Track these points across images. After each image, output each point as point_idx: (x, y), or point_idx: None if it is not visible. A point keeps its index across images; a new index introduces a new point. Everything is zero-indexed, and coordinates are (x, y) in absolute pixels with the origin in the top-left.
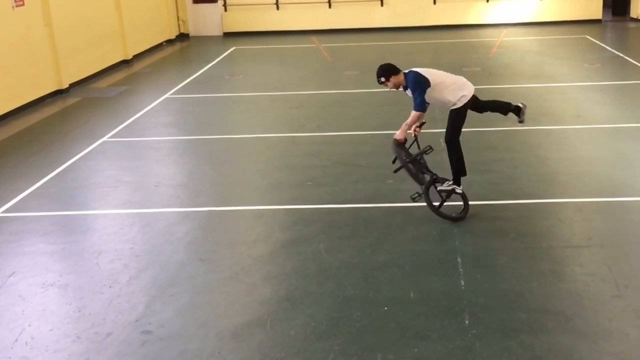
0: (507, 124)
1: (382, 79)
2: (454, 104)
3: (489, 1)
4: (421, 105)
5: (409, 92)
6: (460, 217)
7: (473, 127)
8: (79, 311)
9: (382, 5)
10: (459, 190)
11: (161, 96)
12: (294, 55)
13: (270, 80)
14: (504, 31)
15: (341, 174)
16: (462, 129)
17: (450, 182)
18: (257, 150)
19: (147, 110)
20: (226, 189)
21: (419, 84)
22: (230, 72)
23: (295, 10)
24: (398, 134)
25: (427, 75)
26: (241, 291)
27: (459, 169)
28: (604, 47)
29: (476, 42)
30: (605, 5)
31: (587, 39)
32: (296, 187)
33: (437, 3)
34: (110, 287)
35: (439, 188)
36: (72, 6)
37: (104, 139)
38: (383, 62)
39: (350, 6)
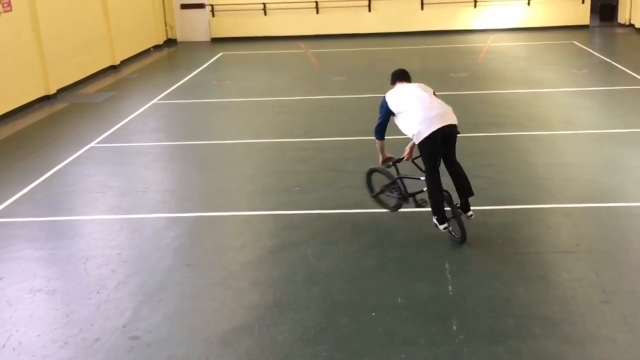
0: (494, 130)
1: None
2: (414, 139)
3: (477, 7)
4: (376, 131)
5: None
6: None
7: (461, 132)
8: (67, 317)
9: (369, 10)
10: (439, 227)
11: (149, 102)
12: (281, 60)
13: (258, 86)
14: (492, 37)
15: (329, 179)
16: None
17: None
18: (245, 155)
19: (135, 116)
20: (214, 194)
21: (380, 107)
22: (218, 77)
23: (282, 15)
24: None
25: (392, 102)
26: (229, 297)
27: (433, 205)
28: (591, 53)
29: (464, 47)
30: (592, 10)
31: (575, 44)
32: (284, 193)
33: (424, 8)
34: (98, 292)
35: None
36: (59, 12)
37: (92, 144)
38: (373, 68)
39: (338, 12)
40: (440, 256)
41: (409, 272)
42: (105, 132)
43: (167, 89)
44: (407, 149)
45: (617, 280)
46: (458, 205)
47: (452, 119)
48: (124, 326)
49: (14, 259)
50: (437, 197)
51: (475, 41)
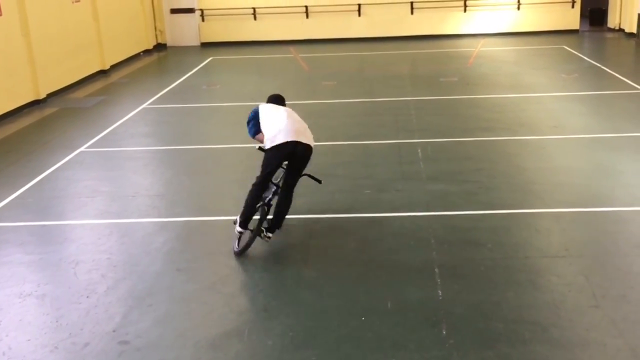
0: (484, 135)
1: None
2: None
3: (467, 11)
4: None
5: None
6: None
7: (450, 137)
8: (57, 321)
9: (359, 15)
10: (236, 227)
11: (139, 106)
12: (271, 65)
13: (248, 91)
14: (482, 41)
15: (318, 184)
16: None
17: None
18: (235, 160)
19: (125, 121)
20: (204, 199)
21: (250, 126)
22: (208, 82)
23: (272, 20)
24: None
25: (256, 112)
26: (219, 301)
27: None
28: (581, 57)
29: (454, 52)
30: (582, 15)
31: (565, 49)
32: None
33: (414, 13)
34: (87, 297)
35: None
36: (50, 16)
37: (82, 149)
38: (363, 73)
39: (328, 16)
40: (429, 261)
41: (399, 277)
42: (95, 136)
43: (156, 94)
44: None
45: (606, 285)
46: (265, 226)
47: (305, 138)
48: (113, 331)
49: (4, 263)
50: (253, 204)
51: (465, 46)
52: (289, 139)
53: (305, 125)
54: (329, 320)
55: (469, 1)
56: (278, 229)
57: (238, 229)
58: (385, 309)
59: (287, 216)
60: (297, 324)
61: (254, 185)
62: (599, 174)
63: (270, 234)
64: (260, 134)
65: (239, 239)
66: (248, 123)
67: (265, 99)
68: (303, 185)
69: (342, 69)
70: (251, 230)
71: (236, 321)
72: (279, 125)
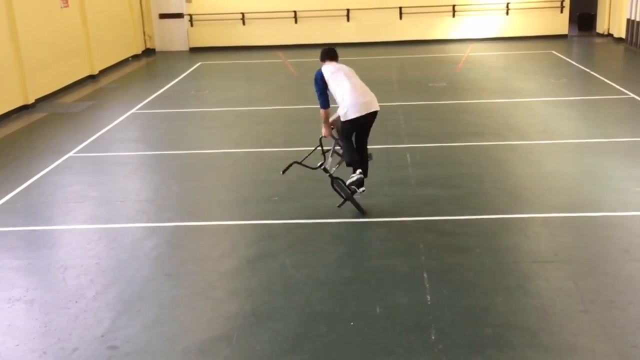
0: (473, 140)
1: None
2: (342, 115)
3: (455, 16)
4: (319, 101)
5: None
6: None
7: (439, 142)
8: (45, 326)
9: (348, 20)
10: (355, 175)
11: (127, 111)
12: (260, 70)
13: (237, 96)
14: (470, 46)
15: (307, 189)
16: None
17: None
18: (224, 165)
19: (114, 126)
20: (192, 204)
21: (315, 82)
22: (197, 87)
23: (261, 25)
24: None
25: (327, 77)
26: (207, 306)
27: (349, 159)
28: (570, 63)
29: (442, 57)
30: (571, 20)
31: (553, 54)
32: (262, 203)
33: (403, 18)
34: (76, 302)
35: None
36: (38, 21)
37: (70, 154)
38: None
39: (316, 21)
40: (418, 265)
41: (388, 282)
42: (84, 141)
43: (145, 99)
44: (328, 125)
45: (595, 290)
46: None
47: (375, 106)
48: (102, 336)
49: None
50: (353, 152)
51: (453, 51)
52: (363, 113)
53: (367, 87)
54: (318, 325)
55: (457, 6)
56: (366, 176)
57: (357, 173)
58: (374, 314)
59: (274, 221)
60: (286, 329)
61: (344, 141)
62: (588, 179)
63: (363, 188)
64: (326, 110)
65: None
66: (319, 95)
67: (256, 104)
68: (292, 190)
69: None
70: (344, 198)
71: (225, 326)
72: (350, 98)
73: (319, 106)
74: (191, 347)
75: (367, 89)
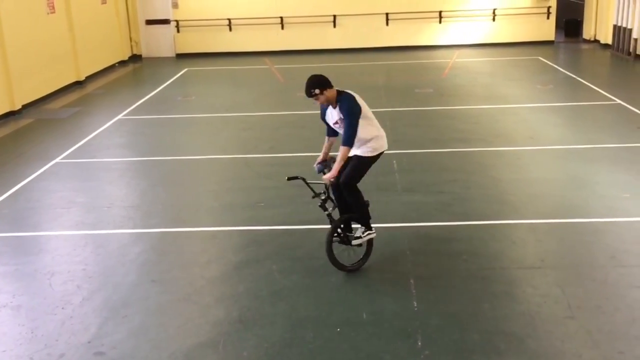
0: (459, 146)
1: (316, 91)
2: (365, 152)
3: (442, 22)
4: (352, 138)
5: (335, 113)
6: (356, 267)
7: (426, 148)
8: (32, 332)
9: (334, 26)
10: (373, 234)
11: (114, 117)
12: (246, 76)
13: (223, 102)
14: (457, 52)
15: (294, 195)
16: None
17: (364, 230)
18: (210, 171)
19: (100, 132)
20: (179, 210)
21: (354, 111)
22: (183, 93)
23: (247, 31)
24: (332, 174)
25: (360, 104)
26: (194, 312)
27: (364, 212)
28: (556, 69)
29: (429, 63)
30: (558, 26)
31: (540, 60)
32: (249, 209)
33: (389, 24)
34: (63, 308)
35: (353, 242)
36: (25, 27)
37: (57, 160)
38: (338, 84)
39: (303, 27)
40: (405, 272)
41: (374, 288)
42: (71, 147)
43: (132, 105)
44: (337, 168)
45: (582, 296)
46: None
47: None
48: (89, 342)
49: None
50: (365, 205)
51: (440, 57)
52: (386, 148)
53: None
54: (304, 331)
55: (444, 12)
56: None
57: (372, 234)
58: (361, 320)
59: (260, 227)
60: (272, 335)
61: (356, 191)
62: (574, 185)
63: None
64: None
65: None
66: (353, 129)
67: (242, 110)
68: (278, 196)
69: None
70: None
71: (211, 332)
72: (379, 129)
73: (325, 137)
74: (178, 353)
75: None
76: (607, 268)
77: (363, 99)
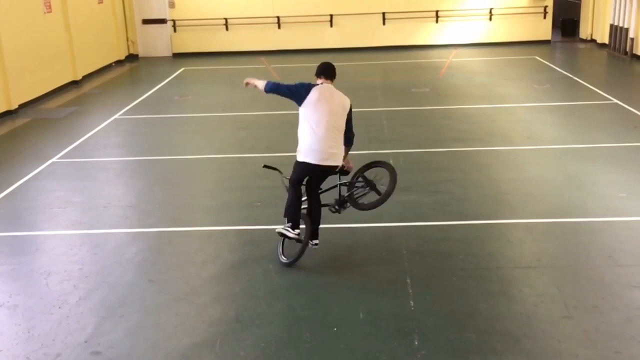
0: (456, 145)
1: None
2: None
3: (439, 22)
4: (270, 84)
5: None
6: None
7: (422, 147)
8: (29, 332)
9: (331, 26)
10: (289, 233)
11: (110, 117)
12: (243, 76)
13: (220, 101)
14: (454, 52)
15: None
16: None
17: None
18: (207, 171)
19: (97, 131)
20: (176, 209)
21: (297, 83)
22: (180, 92)
23: (244, 31)
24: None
25: (309, 99)
26: (191, 312)
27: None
28: (553, 68)
29: (425, 62)
30: (554, 26)
31: (537, 59)
32: (245, 208)
33: (386, 24)
34: (59, 307)
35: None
36: (21, 27)
37: (54, 159)
38: (334, 83)
39: (300, 27)
40: (402, 271)
41: (371, 288)
42: (67, 147)
43: (128, 104)
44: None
45: (578, 296)
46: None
47: (331, 161)
48: (85, 341)
49: None
50: (298, 206)
51: (437, 56)
52: (316, 162)
53: (341, 136)
54: (301, 331)
55: (441, 12)
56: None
57: (294, 232)
58: (357, 319)
59: (257, 227)
60: (269, 334)
61: (291, 185)
62: (571, 185)
63: (317, 241)
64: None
65: (284, 245)
66: (277, 87)
67: (239, 109)
68: (275, 195)
69: (313, 79)
70: (299, 241)
71: (208, 332)
72: (312, 138)
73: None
74: (174, 352)
75: (337, 140)
76: (603, 267)
77: (360, 98)
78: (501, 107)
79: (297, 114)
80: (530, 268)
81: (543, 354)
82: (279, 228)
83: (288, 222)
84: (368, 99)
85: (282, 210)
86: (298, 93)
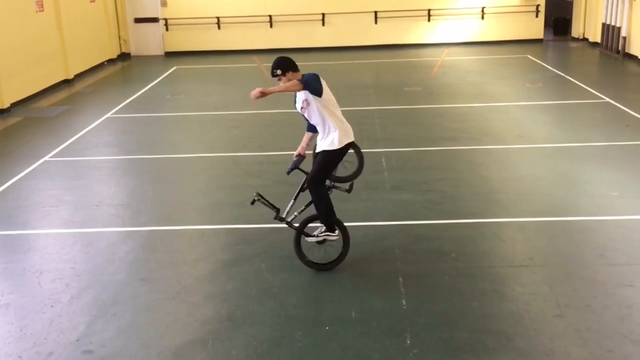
0: (448, 144)
1: (278, 72)
2: (332, 143)
3: (431, 21)
4: (312, 82)
5: (301, 95)
6: (329, 267)
7: (414, 146)
8: (21, 330)
9: (323, 24)
10: (333, 237)
11: (102, 116)
12: (235, 74)
13: (212, 100)
14: (446, 51)
15: (282, 193)
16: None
17: (323, 230)
18: (199, 169)
19: (89, 130)
20: (168, 208)
21: (313, 77)
22: (172, 91)
23: (236, 29)
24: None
25: (323, 85)
26: (183, 311)
27: (328, 215)
28: (545, 67)
29: (417, 61)
30: (546, 24)
31: (529, 58)
32: (237, 207)
33: (378, 22)
34: (51, 306)
35: (307, 239)
36: (13, 26)
37: (46, 158)
38: (326, 82)
39: (292, 26)
40: (394, 270)
41: (363, 286)
42: (59, 146)
43: (120, 103)
44: (304, 145)
45: (570, 295)
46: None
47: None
48: (77, 340)
49: None
50: (330, 206)
51: (429, 55)
52: (353, 138)
53: None
54: (293, 330)
55: (433, 10)
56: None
57: (332, 236)
58: (350, 318)
59: (249, 225)
60: (261, 333)
61: (320, 188)
62: (564, 184)
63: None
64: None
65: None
66: (316, 84)
67: (231, 108)
68: (267, 194)
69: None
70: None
71: (200, 331)
72: (343, 118)
73: (299, 117)
74: (166, 351)
75: None
76: (596, 266)
77: (352, 97)
78: (493, 105)
79: (289, 112)
80: (522, 267)
81: (535, 352)
82: (314, 238)
83: (327, 228)
84: (360, 98)
85: (276, 211)
86: (321, 83)
